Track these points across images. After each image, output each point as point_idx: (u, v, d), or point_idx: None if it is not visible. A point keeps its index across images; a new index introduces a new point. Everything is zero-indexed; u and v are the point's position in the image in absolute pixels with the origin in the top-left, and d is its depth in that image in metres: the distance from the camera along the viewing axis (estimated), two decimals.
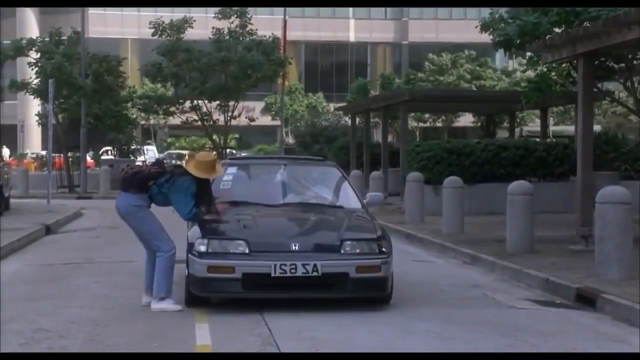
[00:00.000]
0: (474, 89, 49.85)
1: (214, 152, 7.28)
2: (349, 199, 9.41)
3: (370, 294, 8.03)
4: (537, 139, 23.29)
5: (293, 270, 7.76)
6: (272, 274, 7.77)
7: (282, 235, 8.08)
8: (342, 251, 8.00)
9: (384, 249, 8.10)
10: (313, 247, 8.04)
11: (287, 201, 9.13)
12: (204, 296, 8.15)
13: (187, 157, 8.79)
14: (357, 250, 8.04)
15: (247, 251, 7.92)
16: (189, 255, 8.16)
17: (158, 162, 8.94)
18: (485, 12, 18.04)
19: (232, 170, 9.81)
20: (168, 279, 8.25)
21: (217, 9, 33.24)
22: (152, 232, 8.48)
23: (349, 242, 8.04)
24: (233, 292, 7.97)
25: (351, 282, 7.82)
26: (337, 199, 9.45)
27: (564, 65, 15.78)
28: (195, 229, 8.39)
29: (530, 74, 23.02)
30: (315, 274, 7.78)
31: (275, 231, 8.31)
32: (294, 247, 7.94)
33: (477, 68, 54.63)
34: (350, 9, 68.18)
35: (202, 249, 8.03)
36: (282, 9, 43.91)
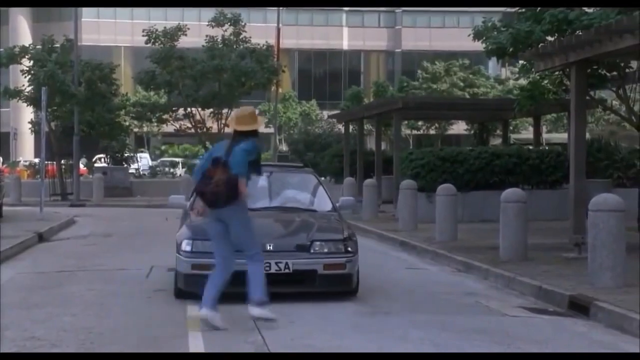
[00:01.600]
0: (467, 96, 49.96)
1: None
2: (323, 203, 10.35)
3: (337, 288, 8.87)
4: (528, 147, 23.31)
5: (267, 268, 8.39)
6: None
7: (259, 236, 8.30)
8: (312, 250, 8.93)
9: (349, 249, 9.04)
10: (286, 247, 8.93)
11: (268, 205, 10.02)
12: (189, 290, 8.65)
13: (229, 119, 8.44)
14: (325, 250, 8.97)
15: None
16: (177, 254, 8.97)
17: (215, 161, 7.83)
18: (478, 20, 18.09)
19: None
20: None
21: (210, 17, 33.28)
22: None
23: (317, 243, 8.99)
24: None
25: (319, 278, 8.76)
26: (312, 203, 10.41)
27: (556, 73, 15.84)
28: (183, 231, 9.19)
29: (523, 82, 23.07)
30: (287, 271, 8.72)
31: (267, 236, 8.93)
32: (269, 247, 8.71)
33: (470, 76, 54.75)
34: (344, 16, 68.33)
35: (187, 248, 8.86)
36: (275, 17, 43.95)
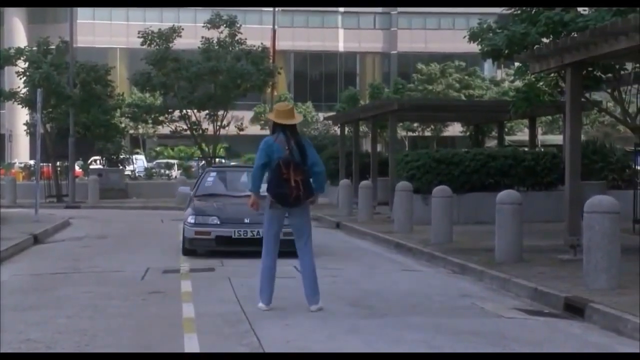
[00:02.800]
0: (463, 98, 50.01)
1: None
2: None
3: (290, 249, 10.59)
4: (523, 149, 23.33)
5: (245, 234, 13.10)
6: (233, 236, 13.15)
7: (239, 213, 13.11)
8: None
9: None
10: (257, 220, 11.81)
11: (245, 194, 12.59)
12: (192, 249, 13.43)
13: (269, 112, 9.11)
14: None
15: (218, 223, 13.32)
16: (184, 225, 13.57)
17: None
18: (474, 22, 18.11)
19: (213, 174, 16.10)
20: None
21: (206, 18, 33.26)
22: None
23: None
24: (210, 247, 13.39)
25: (281, 242, 10.15)
26: None
27: (552, 75, 15.87)
28: (189, 211, 13.81)
29: (519, 83, 23.11)
30: (258, 236, 12.08)
31: (235, 211, 13.38)
32: (246, 220, 13.11)
33: (466, 77, 54.82)
34: (340, 18, 68.40)
35: (192, 221, 13.40)
36: (271, 18, 43.94)
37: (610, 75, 15.16)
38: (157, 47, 31.97)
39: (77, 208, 28.08)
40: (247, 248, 12.70)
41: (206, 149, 33.44)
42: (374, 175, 25.58)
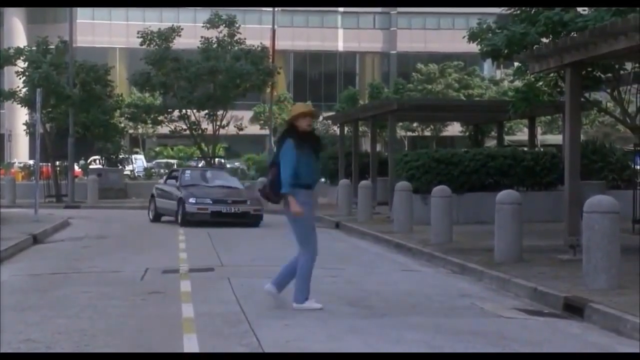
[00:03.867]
0: (462, 98, 49.99)
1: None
2: (238, 184, 23.03)
3: (256, 221, 19.83)
4: (523, 148, 23.34)
5: (230, 210, 19.89)
6: (222, 211, 19.77)
7: (223, 196, 20.37)
8: (248, 203, 20.25)
9: (261, 203, 19.80)
10: (236, 202, 20.15)
11: (215, 184, 21.59)
12: (192, 220, 19.56)
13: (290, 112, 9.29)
14: (249, 203, 20.23)
15: (211, 202, 19.89)
16: (185, 203, 19.80)
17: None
18: (473, 22, 18.11)
19: (189, 171, 23.29)
20: (306, 282, 8.56)
21: (205, 18, 33.27)
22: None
23: (249, 200, 20.39)
24: (206, 219, 19.52)
25: (250, 216, 19.72)
26: (235, 184, 22.58)
27: (551, 75, 15.86)
28: (186, 194, 20.10)
29: (518, 83, 23.11)
30: (237, 212, 19.92)
31: (220, 194, 20.44)
32: (229, 201, 20.10)
33: (465, 77, 54.80)
34: (339, 18, 68.38)
35: (193, 201, 19.83)
36: (270, 18, 43.94)
37: (609, 75, 15.15)
38: (157, 47, 31.97)
39: (76, 208, 28.08)
40: (231, 219, 19.73)
41: (205, 149, 33.44)
42: (374, 175, 25.57)
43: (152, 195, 22.44)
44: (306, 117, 8.59)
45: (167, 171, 46.12)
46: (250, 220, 19.82)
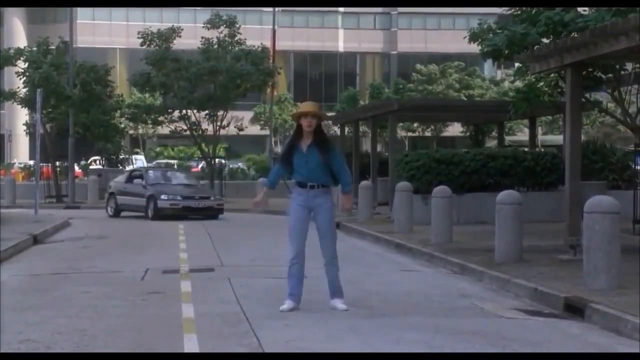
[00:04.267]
0: (463, 98, 49.98)
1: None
2: (195, 182, 26.71)
3: (218, 214, 23.15)
4: (523, 149, 23.32)
5: (198, 205, 23.02)
6: (192, 207, 22.87)
7: (190, 193, 23.43)
8: (212, 199, 23.71)
9: (222, 199, 25.32)
10: (202, 197, 23.50)
11: (177, 183, 24.44)
12: (164, 214, 22.28)
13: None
14: (212, 198, 23.83)
15: (181, 199, 22.79)
16: (158, 200, 22.56)
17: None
18: (474, 22, 18.10)
19: (152, 172, 26.01)
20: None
21: (206, 19, 33.29)
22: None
23: (212, 196, 24.32)
24: (178, 214, 22.40)
25: (213, 210, 23.07)
26: (193, 182, 26.06)
27: (552, 75, 15.87)
28: (157, 191, 22.95)
29: (519, 84, 23.12)
30: (205, 206, 23.09)
31: (187, 192, 23.47)
32: (196, 197, 23.28)
33: (466, 78, 54.77)
34: (340, 18, 68.37)
35: (165, 197, 22.61)
36: (271, 19, 43.95)
37: (610, 75, 15.15)
38: (157, 47, 31.99)
39: (76, 208, 28.08)
40: (198, 214, 22.84)
41: (206, 149, 33.44)
42: (374, 176, 25.58)
43: (112, 194, 24.89)
44: (306, 117, 8.56)
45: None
46: (214, 212, 23.11)
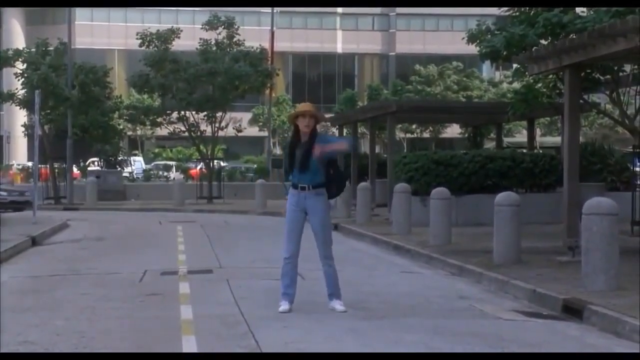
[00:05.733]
0: (462, 99, 49.99)
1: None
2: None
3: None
4: (522, 150, 23.36)
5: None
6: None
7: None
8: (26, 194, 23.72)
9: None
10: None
11: None
12: None
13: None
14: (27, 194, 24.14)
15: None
16: None
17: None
18: (472, 23, 18.11)
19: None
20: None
21: (204, 20, 33.29)
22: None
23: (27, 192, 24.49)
24: None
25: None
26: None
27: (550, 76, 15.87)
28: None
29: (517, 85, 23.12)
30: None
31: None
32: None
33: (464, 79, 54.80)
34: (338, 19, 68.39)
35: None
36: (269, 20, 43.97)
37: (608, 76, 15.14)
38: (156, 48, 31.97)
39: (75, 210, 28.07)
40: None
41: (204, 151, 33.43)
42: (373, 177, 25.59)
43: None
44: (304, 117, 8.58)
45: (165, 173, 46.63)
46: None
